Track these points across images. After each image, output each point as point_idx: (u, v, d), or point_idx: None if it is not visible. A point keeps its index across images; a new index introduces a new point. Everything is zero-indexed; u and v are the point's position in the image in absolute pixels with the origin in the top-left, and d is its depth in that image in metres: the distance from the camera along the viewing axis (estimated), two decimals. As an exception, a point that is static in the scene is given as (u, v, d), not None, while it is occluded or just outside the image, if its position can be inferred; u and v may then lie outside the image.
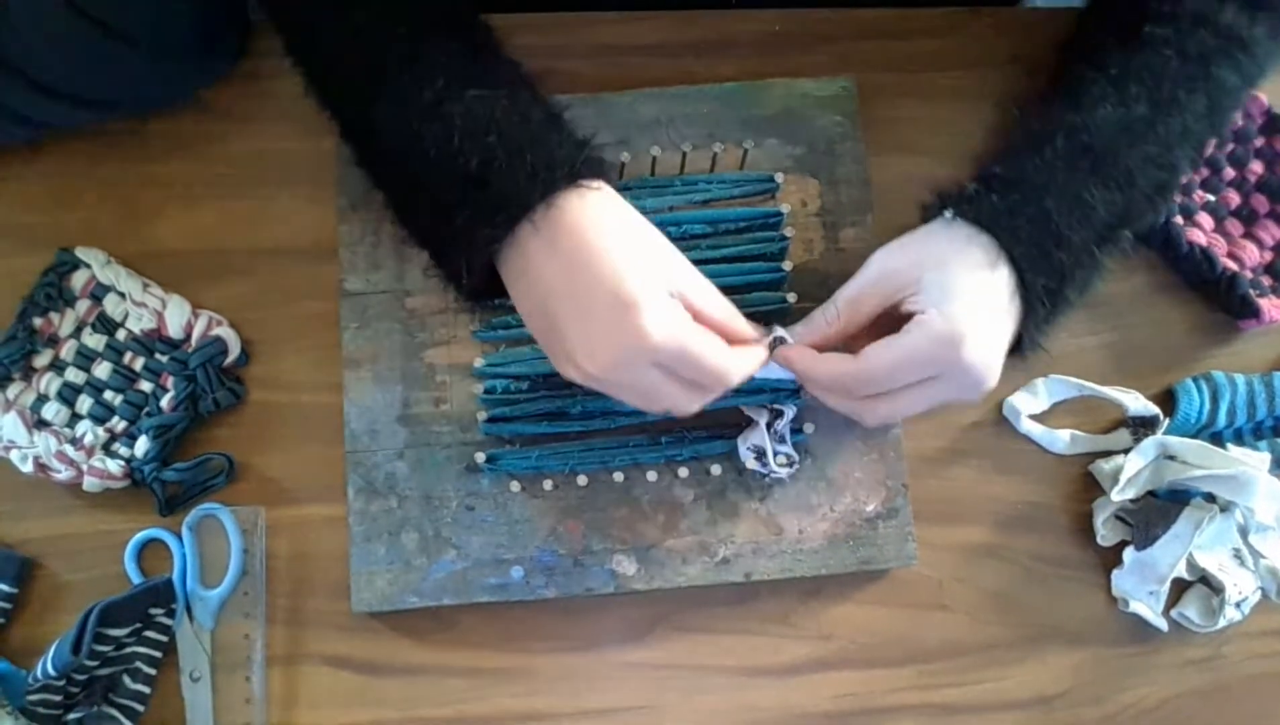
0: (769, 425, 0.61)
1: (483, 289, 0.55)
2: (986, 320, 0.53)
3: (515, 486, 0.62)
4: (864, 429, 0.63)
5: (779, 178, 0.64)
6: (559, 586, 0.61)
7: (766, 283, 0.63)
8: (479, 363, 0.62)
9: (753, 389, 0.60)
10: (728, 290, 0.60)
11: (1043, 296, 0.54)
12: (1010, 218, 0.54)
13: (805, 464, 0.63)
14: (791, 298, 0.63)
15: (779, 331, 0.56)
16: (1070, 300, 0.56)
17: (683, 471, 0.62)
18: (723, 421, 0.62)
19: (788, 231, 0.64)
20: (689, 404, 0.53)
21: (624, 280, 0.50)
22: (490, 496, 0.62)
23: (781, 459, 0.60)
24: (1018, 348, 0.56)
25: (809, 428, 0.62)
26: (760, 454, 0.60)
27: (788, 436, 0.61)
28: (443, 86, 0.53)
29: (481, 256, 0.53)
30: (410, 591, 0.61)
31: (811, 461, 0.63)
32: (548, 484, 0.62)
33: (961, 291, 0.52)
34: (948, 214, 0.55)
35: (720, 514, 0.62)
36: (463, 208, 0.52)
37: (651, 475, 0.62)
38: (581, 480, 0.61)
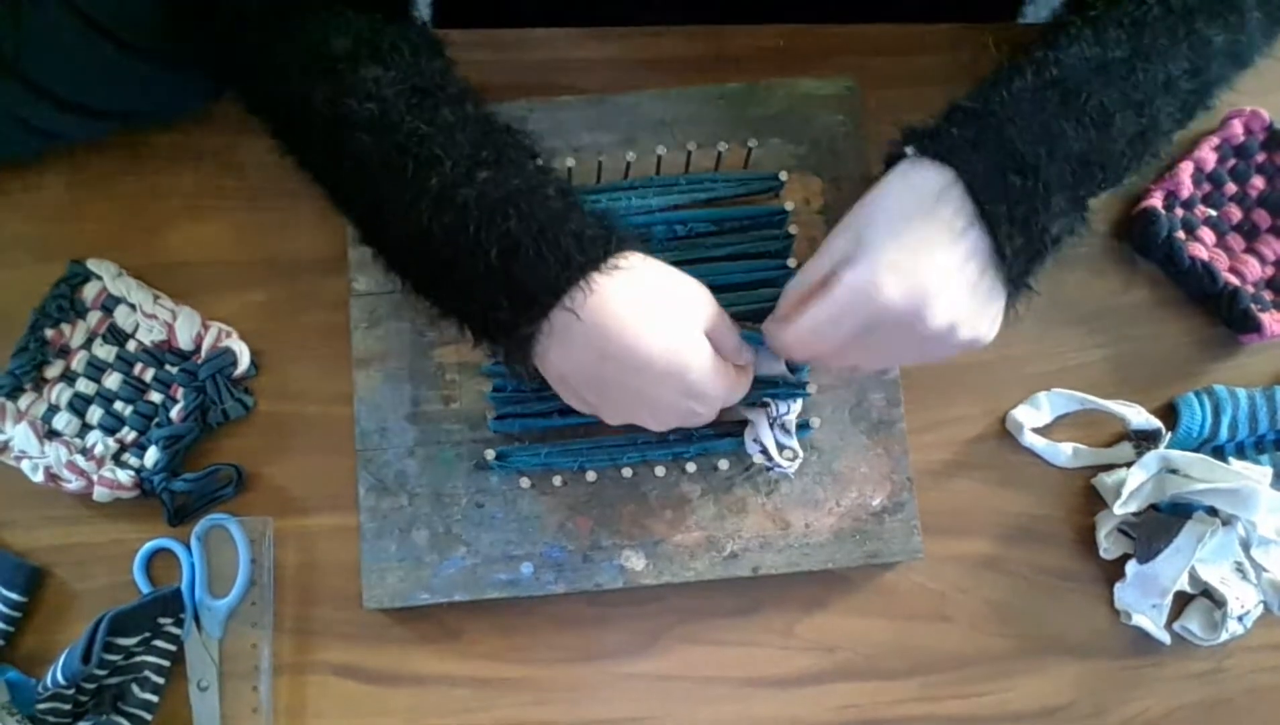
0: (771, 420, 0.61)
1: (531, 370, 0.53)
2: (918, 254, 0.50)
3: (525, 483, 0.62)
4: (869, 423, 0.64)
5: (783, 176, 0.65)
6: (568, 582, 0.61)
7: (771, 280, 0.63)
8: (488, 361, 0.63)
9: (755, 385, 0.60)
10: (733, 287, 0.61)
11: (1008, 224, 0.50)
12: (970, 149, 0.51)
13: (811, 459, 0.63)
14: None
15: (748, 354, 0.57)
16: (1049, 232, 0.52)
17: (690, 467, 0.62)
18: (729, 419, 0.62)
19: (792, 229, 0.65)
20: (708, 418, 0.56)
21: (686, 370, 0.51)
22: (500, 493, 0.62)
23: (788, 453, 0.61)
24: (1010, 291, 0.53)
25: (815, 422, 0.63)
26: (765, 448, 0.60)
27: (792, 430, 0.61)
28: (450, 169, 0.49)
29: (524, 350, 0.51)
30: (421, 588, 0.61)
31: (817, 457, 0.63)
32: (557, 480, 0.62)
33: (891, 234, 0.50)
34: (910, 150, 0.52)
35: (727, 509, 0.63)
36: (494, 300, 0.50)
37: (659, 471, 0.62)
38: (590, 476, 0.62)
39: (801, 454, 0.61)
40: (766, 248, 0.64)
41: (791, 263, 0.64)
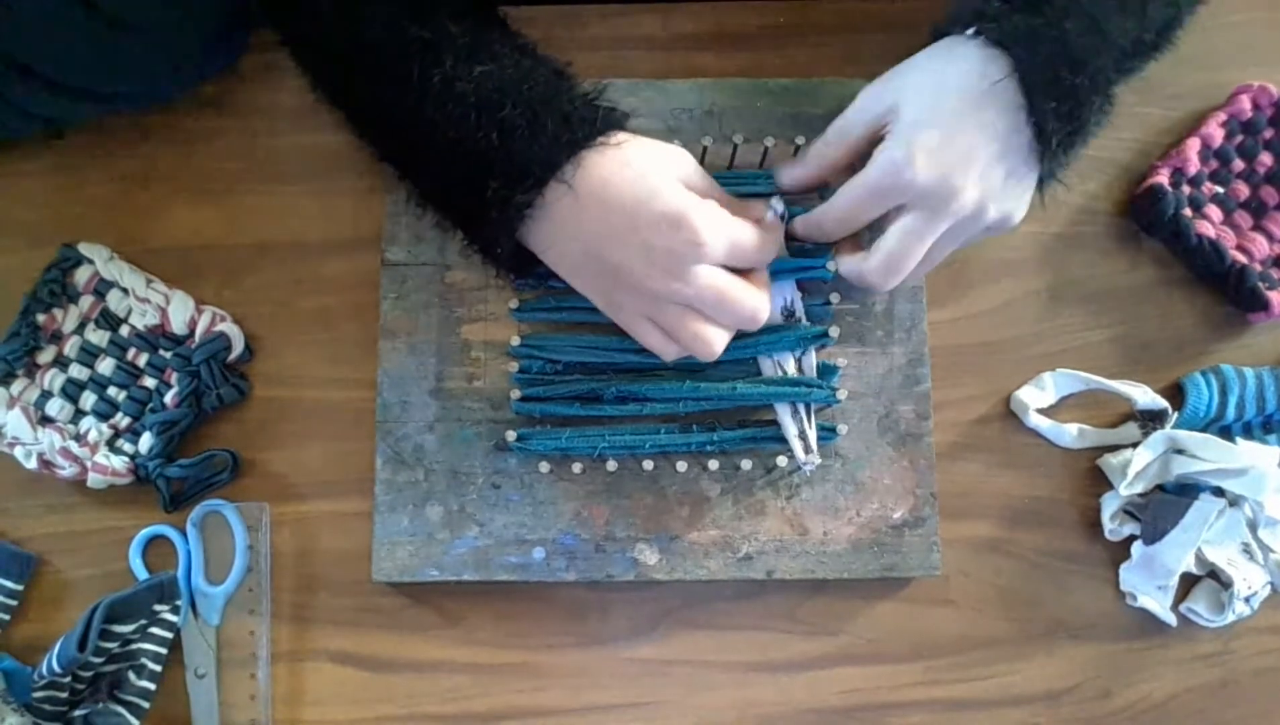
0: (794, 413, 0.61)
1: (519, 258, 0.58)
2: (952, 138, 0.52)
3: (543, 467, 0.61)
4: (896, 435, 0.63)
5: None
6: (579, 571, 0.61)
7: (810, 282, 0.62)
8: (515, 341, 0.62)
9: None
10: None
11: (1053, 120, 0.53)
12: (1029, 39, 0.52)
13: (834, 467, 0.62)
14: (835, 298, 0.63)
15: (777, 205, 0.58)
16: (1087, 128, 0.54)
17: (712, 464, 0.62)
18: (754, 418, 0.62)
19: None
20: (748, 300, 0.55)
21: (666, 200, 0.53)
22: (517, 476, 0.62)
23: (814, 457, 0.60)
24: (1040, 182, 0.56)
25: (842, 429, 0.62)
26: (802, 432, 0.60)
27: (813, 427, 0.61)
28: (450, 67, 0.54)
29: (515, 224, 0.55)
30: (431, 564, 0.61)
31: (841, 464, 0.62)
32: (576, 467, 0.61)
33: (935, 114, 0.53)
34: (969, 32, 0.54)
35: (746, 510, 0.62)
36: (491, 180, 0.54)
37: (681, 466, 0.61)
38: (610, 466, 0.61)
39: (817, 455, 0.60)
40: (806, 246, 0.63)
41: (831, 266, 0.62)
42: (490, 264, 0.59)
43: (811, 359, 0.62)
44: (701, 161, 0.63)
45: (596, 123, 0.54)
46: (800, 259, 0.60)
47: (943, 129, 0.53)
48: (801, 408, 0.61)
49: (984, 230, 0.56)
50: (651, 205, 0.53)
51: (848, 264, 0.58)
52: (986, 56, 0.53)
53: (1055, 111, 0.53)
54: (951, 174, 0.53)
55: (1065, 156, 0.55)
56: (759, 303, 0.56)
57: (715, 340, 0.56)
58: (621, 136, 0.55)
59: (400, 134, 0.57)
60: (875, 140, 0.55)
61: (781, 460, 0.61)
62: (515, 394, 0.62)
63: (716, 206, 0.55)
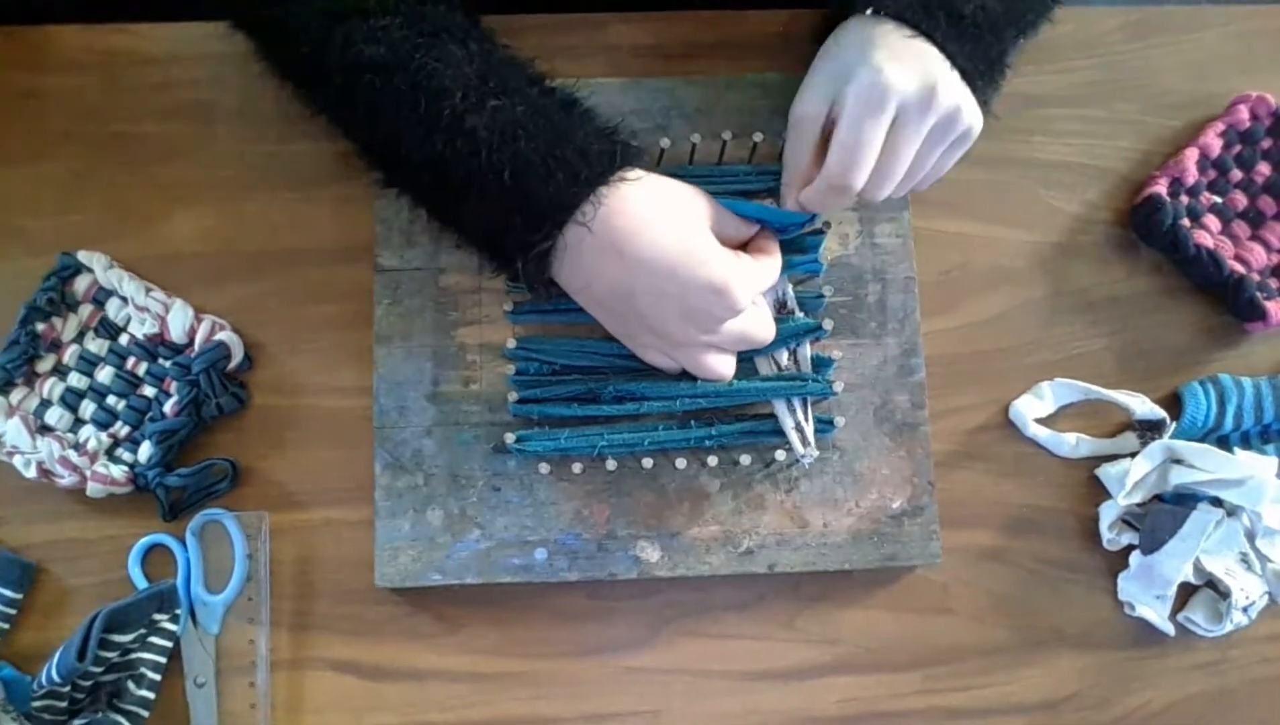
0: (790, 407, 0.61)
1: (548, 285, 0.57)
2: (903, 54, 0.54)
3: (543, 468, 0.61)
4: (893, 425, 0.63)
5: None
6: (582, 570, 0.61)
7: (803, 276, 0.63)
8: (511, 344, 0.62)
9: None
10: None
11: (961, 58, 0.55)
12: (921, 9, 0.55)
13: (832, 459, 0.63)
14: (828, 291, 0.63)
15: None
16: (1004, 57, 0.59)
17: (711, 460, 0.62)
18: (752, 412, 0.63)
19: (822, 226, 0.64)
20: (762, 333, 0.58)
21: (712, 270, 0.54)
22: (517, 477, 0.62)
23: (811, 449, 0.60)
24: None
25: (839, 422, 0.62)
26: (798, 425, 0.61)
27: (809, 419, 0.61)
28: (460, 100, 0.53)
29: (541, 266, 0.54)
30: (433, 569, 0.61)
31: (839, 456, 0.63)
32: (576, 467, 0.61)
33: (876, 47, 0.54)
34: (868, 11, 0.56)
35: (746, 505, 0.62)
36: (509, 220, 0.53)
37: (680, 462, 0.62)
38: (610, 465, 0.61)
39: (815, 447, 0.61)
40: (799, 244, 0.63)
41: (823, 260, 0.63)
42: (520, 285, 0.60)
43: (806, 352, 0.62)
44: (691, 159, 0.64)
45: (615, 157, 0.54)
46: (791, 256, 0.61)
47: (897, 49, 0.54)
48: (798, 401, 0.61)
49: (957, 139, 0.57)
50: (697, 272, 0.53)
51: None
52: (890, 24, 0.55)
53: (962, 53, 0.55)
54: (928, 72, 0.54)
55: (989, 93, 0.58)
56: (770, 331, 0.59)
57: (728, 369, 0.59)
58: (639, 173, 0.55)
59: (411, 168, 0.56)
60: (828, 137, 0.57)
61: (780, 454, 0.61)
62: (513, 396, 0.62)
63: (746, 262, 0.56)
